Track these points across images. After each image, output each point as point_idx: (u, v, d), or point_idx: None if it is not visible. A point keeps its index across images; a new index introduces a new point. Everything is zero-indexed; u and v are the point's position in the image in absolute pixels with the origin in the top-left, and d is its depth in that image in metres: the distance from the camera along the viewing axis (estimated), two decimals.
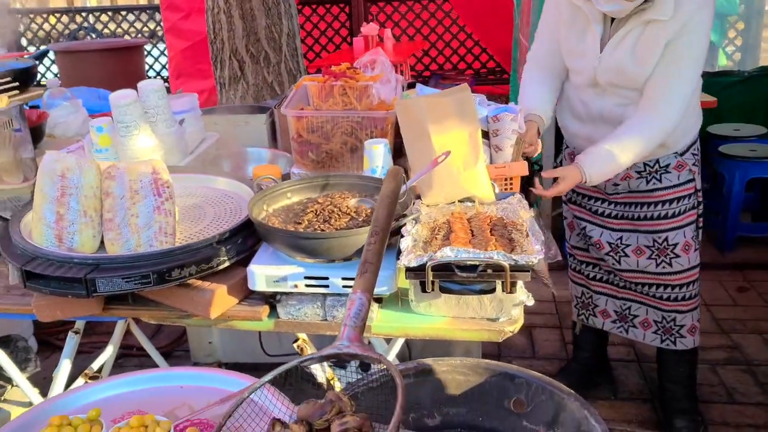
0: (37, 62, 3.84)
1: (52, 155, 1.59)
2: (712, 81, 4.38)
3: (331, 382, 2.13)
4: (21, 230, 1.69)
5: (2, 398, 2.38)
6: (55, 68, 6.81)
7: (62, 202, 1.58)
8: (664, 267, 2.44)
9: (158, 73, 8.56)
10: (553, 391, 1.28)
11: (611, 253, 2.51)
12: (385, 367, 1.12)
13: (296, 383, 1.21)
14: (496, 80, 7.97)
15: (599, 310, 2.67)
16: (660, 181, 2.37)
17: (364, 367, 1.93)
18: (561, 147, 4.05)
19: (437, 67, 8.33)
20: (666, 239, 2.41)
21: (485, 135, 2.06)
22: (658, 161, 2.34)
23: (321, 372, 1.97)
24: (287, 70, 3.99)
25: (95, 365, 2.40)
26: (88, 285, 1.51)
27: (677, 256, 2.42)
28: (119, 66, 5.78)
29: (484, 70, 8.48)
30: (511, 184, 2.08)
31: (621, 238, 2.48)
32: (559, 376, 2.84)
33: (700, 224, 2.46)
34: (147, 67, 7.37)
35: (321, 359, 1.11)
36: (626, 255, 2.48)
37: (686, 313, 2.49)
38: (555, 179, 2.23)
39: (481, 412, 1.34)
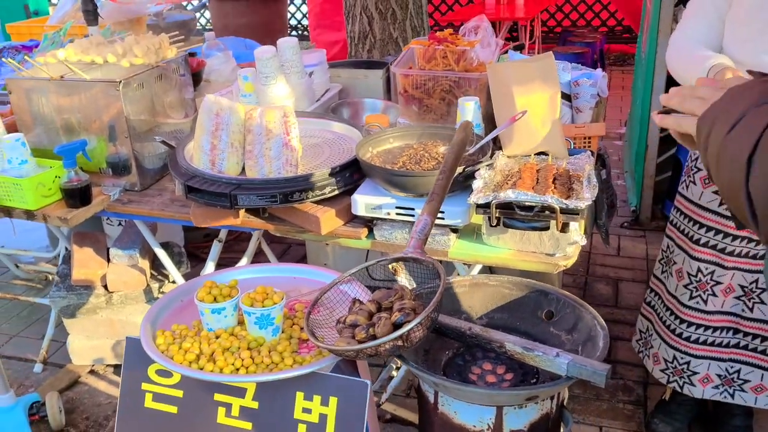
0: (197, 14, 4.39)
1: (211, 98, 2.06)
2: None
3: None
4: (184, 155, 2.19)
5: (161, 290, 2.99)
6: (207, 14, 7.50)
7: (216, 134, 2.06)
8: None
9: (299, 22, 9.14)
10: (575, 306, 1.60)
11: (743, 298, 2.14)
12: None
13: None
14: (631, 39, 7.82)
15: (699, 377, 2.24)
16: None
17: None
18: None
19: (570, 24, 8.25)
20: None
21: (567, 97, 2.33)
22: None
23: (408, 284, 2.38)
24: (411, 27, 4.32)
25: None
26: (232, 199, 1.98)
27: None
28: (264, 15, 6.29)
29: (619, 28, 8.31)
30: (588, 142, 2.35)
31: (756, 281, 2.11)
32: None
33: None
34: (289, 15, 7.91)
35: (391, 261, 1.50)
36: (761, 302, 2.12)
37: None
38: None
39: (519, 318, 1.69)
